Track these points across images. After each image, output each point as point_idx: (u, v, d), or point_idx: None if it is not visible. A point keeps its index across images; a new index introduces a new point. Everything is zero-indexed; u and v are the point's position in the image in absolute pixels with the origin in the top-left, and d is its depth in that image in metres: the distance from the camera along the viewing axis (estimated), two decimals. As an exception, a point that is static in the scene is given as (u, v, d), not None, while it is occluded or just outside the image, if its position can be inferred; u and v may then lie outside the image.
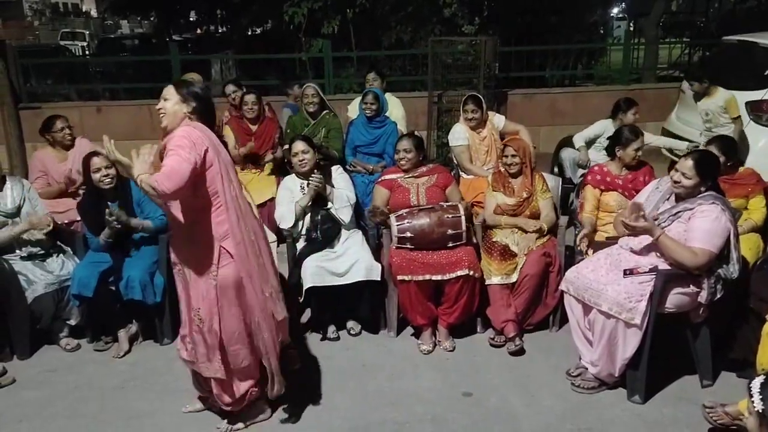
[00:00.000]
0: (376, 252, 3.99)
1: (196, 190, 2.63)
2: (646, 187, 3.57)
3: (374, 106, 5.11)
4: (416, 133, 4.51)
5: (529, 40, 8.74)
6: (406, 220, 3.78)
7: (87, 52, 22.30)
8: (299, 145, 3.99)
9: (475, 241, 3.98)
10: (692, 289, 3.16)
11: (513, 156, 3.99)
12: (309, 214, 3.96)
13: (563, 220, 4.15)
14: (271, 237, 4.10)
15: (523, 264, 3.79)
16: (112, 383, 3.53)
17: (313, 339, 3.96)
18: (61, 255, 3.99)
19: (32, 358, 3.81)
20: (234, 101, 5.51)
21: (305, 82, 5.71)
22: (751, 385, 2.29)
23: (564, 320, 3.76)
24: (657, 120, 7.02)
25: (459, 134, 4.96)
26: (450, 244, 3.76)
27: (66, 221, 4.39)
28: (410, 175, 4.08)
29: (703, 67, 7.21)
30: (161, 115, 2.73)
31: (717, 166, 3.29)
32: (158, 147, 2.68)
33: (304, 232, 3.98)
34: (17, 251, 3.87)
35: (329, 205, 3.97)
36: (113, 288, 3.72)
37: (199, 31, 20.09)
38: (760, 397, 2.22)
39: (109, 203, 3.75)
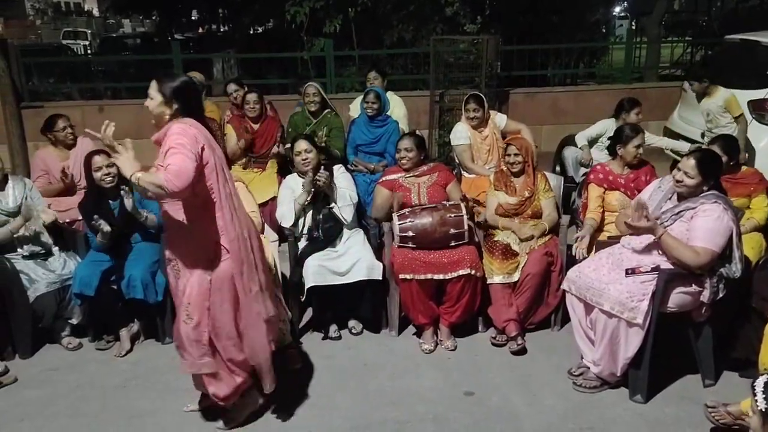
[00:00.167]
0: (378, 251, 3.99)
1: (194, 188, 2.62)
2: (648, 187, 3.56)
3: (376, 105, 5.11)
4: (418, 132, 4.51)
5: (530, 39, 8.74)
6: (408, 219, 3.77)
7: (89, 51, 22.31)
8: (302, 144, 3.99)
9: (476, 240, 3.97)
10: (694, 288, 3.16)
11: (516, 155, 3.98)
12: (311, 213, 3.96)
13: (565, 219, 4.15)
14: (273, 236, 4.11)
15: (524, 263, 3.78)
16: (114, 382, 3.53)
17: (314, 338, 3.96)
18: (63, 254, 4.00)
19: (34, 357, 3.81)
20: (236, 100, 5.51)
21: (304, 81, 5.71)
22: (754, 384, 2.29)
23: (566, 319, 3.76)
24: (659, 119, 7.02)
25: (461, 133, 4.96)
26: (452, 244, 3.75)
27: (68, 220, 4.39)
28: (411, 175, 4.08)
29: (703, 67, 7.19)
30: (150, 112, 2.71)
31: (719, 165, 3.28)
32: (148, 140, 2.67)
33: (305, 231, 3.98)
34: (19, 250, 3.87)
35: (331, 204, 3.96)
36: (115, 287, 3.72)
37: (201, 30, 20.11)
38: (764, 396, 2.22)
39: (110, 202, 3.75)
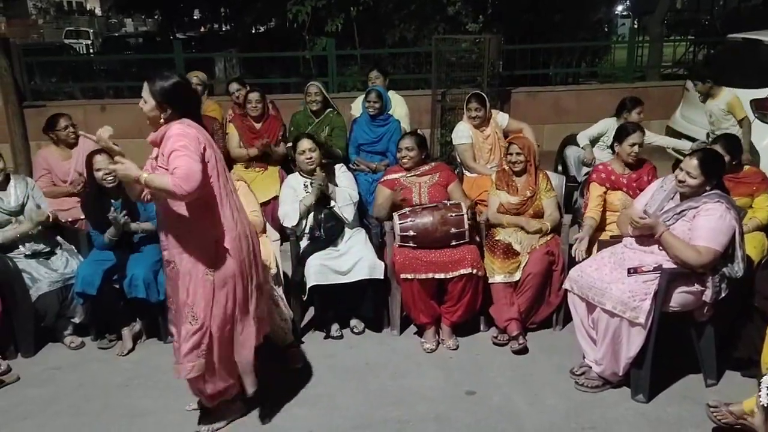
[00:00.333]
0: (379, 250, 3.99)
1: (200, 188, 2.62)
2: (650, 186, 3.55)
3: (377, 105, 5.11)
4: (419, 131, 4.50)
5: (532, 38, 8.74)
6: (409, 219, 3.77)
7: (91, 51, 22.36)
8: (305, 143, 3.99)
9: (478, 239, 3.97)
10: (697, 287, 3.15)
11: (518, 154, 3.98)
12: (312, 213, 3.96)
13: (567, 218, 4.14)
14: (275, 235, 4.11)
15: (526, 262, 3.78)
16: (116, 381, 3.54)
17: (316, 337, 3.97)
18: (65, 253, 4.00)
19: (36, 356, 3.82)
20: (238, 99, 5.50)
21: (313, 79, 5.69)
22: (761, 381, 2.29)
23: (567, 319, 3.76)
24: (661, 118, 7.01)
25: (462, 132, 4.95)
26: (453, 243, 3.75)
27: (70, 219, 4.41)
28: (412, 174, 4.08)
29: (706, 67, 7.17)
30: (146, 115, 2.68)
31: (722, 165, 3.28)
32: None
33: (307, 230, 3.98)
34: (21, 248, 3.88)
35: (332, 203, 3.97)
36: (117, 286, 3.72)
37: (202, 29, 20.11)
38: (767, 392, 2.22)
39: (112, 201, 3.76)
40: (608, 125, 5.30)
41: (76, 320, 3.91)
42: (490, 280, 3.79)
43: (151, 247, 3.84)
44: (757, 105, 5.48)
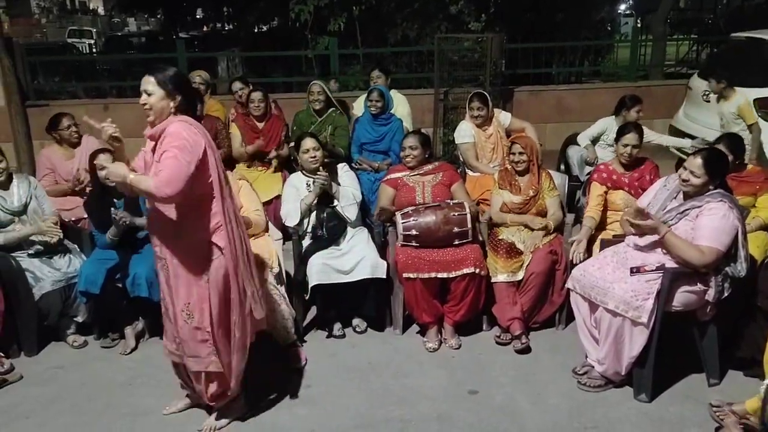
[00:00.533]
0: (382, 249, 3.99)
1: (193, 187, 2.59)
2: (653, 186, 3.55)
3: (379, 104, 5.10)
4: (423, 130, 4.49)
5: (535, 37, 8.72)
6: (411, 218, 3.77)
7: (94, 50, 22.38)
8: (309, 142, 3.99)
9: (480, 238, 3.97)
10: (699, 287, 3.15)
11: (521, 153, 3.97)
12: (315, 212, 3.96)
13: (570, 217, 4.14)
14: (277, 234, 4.11)
15: (529, 262, 3.78)
16: (119, 380, 3.54)
17: (318, 336, 3.97)
18: (68, 252, 4.01)
19: (39, 355, 3.83)
20: (241, 98, 5.51)
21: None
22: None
23: (570, 318, 3.76)
24: (664, 117, 7.00)
25: (465, 131, 4.95)
26: (456, 242, 3.75)
27: (73, 219, 4.41)
28: (416, 173, 4.07)
29: (722, 65, 7.11)
30: (147, 110, 2.63)
31: (726, 164, 3.26)
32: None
33: (309, 229, 3.98)
34: (24, 247, 3.88)
35: (335, 202, 3.97)
36: (120, 285, 3.72)
37: (205, 28, 20.13)
38: None
39: (114, 200, 3.76)
40: (607, 124, 5.30)
41: (79, 319, 3.91)
42: (493, 280, 3.79)
43: (154, 246, 3.85)
44: (761, 104, 5.46)
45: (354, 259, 3.81)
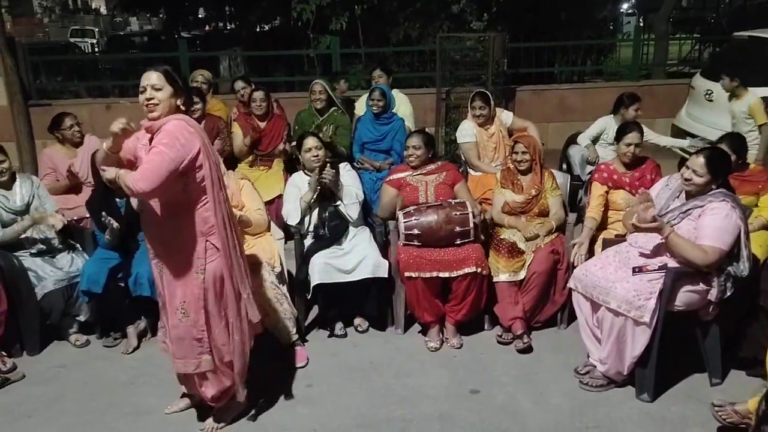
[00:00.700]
0: (384, 249, 3.99)
1: (187, 186, 2.59)
2: (655, 185, 3.54)
3: (381, 103, 5.10)
4: (426, 129, 4.49)
5: (537, 36, 8.70)
6: (413, 217, 3.77)
7: (96, 50, 22.39)
8: (311, 141, 3.99)
9: (482, 238, 3.97)
10: (702, 287, 3.14)
11: (523, 153, 3.97)
12: (317, 211, 3.96)
13: (572, 217, 4.13)
14: (279, 234, 4.11)
15: (531, 261, 3.77)
16: (121, 379, 3.55)
17: (320, 336, 3.97)
18: (71, 251, 4.01)
19: (42, 354, 3.83)
20: (243, 98, 5.51)
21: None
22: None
23: (572, 318, 3.75)
24: (666, 116, 7.00)
25: (467, 131, 4.94)
26: (458, 242, 3.75)
27: (75, 218, 4.41)
28: (419, 173, 4.07)
29: (724, 64, 7.09)
30: (153, 105, 2.59)
31: (728, 163, 3.26)
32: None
33: (311, 229, 3.98)
34: (26, 246, 3.88)
35: (337, 202, 3.97)
36: (122, 284, 3.73)
37: (207, 27, 20.16)
38: None
39: (116, 200, 3.77)
40: (606, 123, 5.30)
41: (82, 318, 3.92)
42: (495, 279, 3.79)
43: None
44: (765, 103, 5.44)
45: (356, 258, 3.81)
